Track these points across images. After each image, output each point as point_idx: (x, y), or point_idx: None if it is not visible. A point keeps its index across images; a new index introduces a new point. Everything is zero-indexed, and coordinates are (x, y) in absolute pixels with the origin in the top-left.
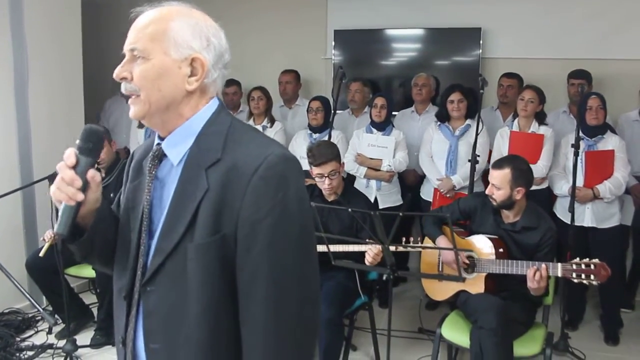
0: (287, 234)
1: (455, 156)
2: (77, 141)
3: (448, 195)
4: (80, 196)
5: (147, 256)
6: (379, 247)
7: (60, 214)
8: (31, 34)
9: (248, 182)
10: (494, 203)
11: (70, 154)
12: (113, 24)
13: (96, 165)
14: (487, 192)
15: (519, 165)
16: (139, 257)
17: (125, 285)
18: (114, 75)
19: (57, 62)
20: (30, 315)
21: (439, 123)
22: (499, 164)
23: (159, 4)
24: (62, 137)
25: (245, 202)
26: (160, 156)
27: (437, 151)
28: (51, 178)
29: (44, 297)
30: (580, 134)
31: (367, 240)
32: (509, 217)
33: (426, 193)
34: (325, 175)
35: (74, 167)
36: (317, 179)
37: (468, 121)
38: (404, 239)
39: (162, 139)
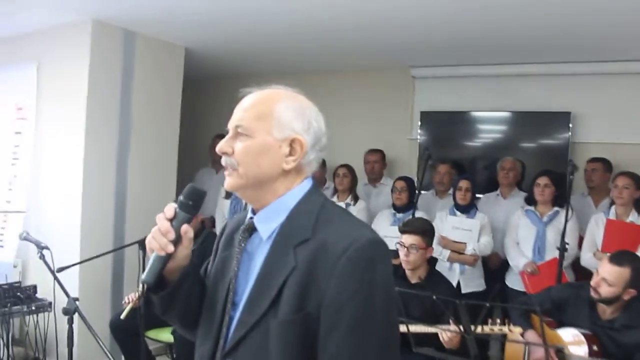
0: (370, 318)
1: (543, 242)
2: (180, 197)
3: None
4: (170, 248)
5: (229, 327)
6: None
7: (149, 263)
8: (137, 109)
9: (336, 263)
10: (596, 297)
11: (170, 207)
12: (210, 99)
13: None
14: (592, 283)
15: (639, 265)
16: (222, 327)
17: (207, 354)
18: (217, 149)
19: (156, 135)
20: None
21: (526, 208)
22: (619, 260)
23: (266, 86)
24: (154, 205)
25: (331, 283)
26: (251, 230)
27: (523, 237)
28: (141, 243)
29: (123, 358)
30: None
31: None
32: (605, 312)
33: (511, 281)
34: (405, 246)
35: (171, 220)
36: (398, 246)
37: (557, 208)
38: (489, 321)
39: (254, 212)
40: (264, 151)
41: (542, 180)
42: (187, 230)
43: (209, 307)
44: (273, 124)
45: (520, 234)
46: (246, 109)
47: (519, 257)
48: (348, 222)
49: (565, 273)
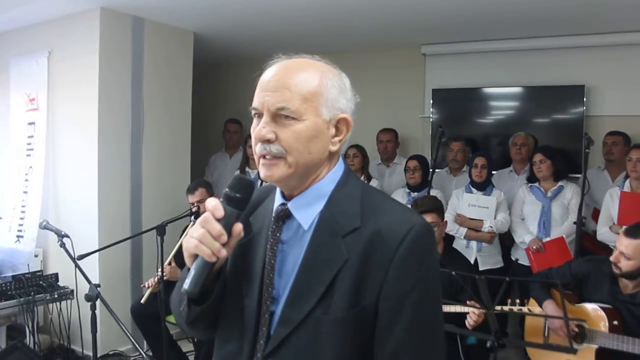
0: (431, 308)
1: (549, 218)
2: (225, 190)
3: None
4: (224, 252)
5: (270, 325)
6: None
7: (194, 270)
8: (149, 95)
9: (394, 253)
10: (617, 272)
11: (217, 205)
12: (220, 84)
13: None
14: (612, 259)
15: None
16: (260, 324)
17: (244, 355)
18: (257, 137)
19: (168, 121)
20: (131, 359)
21: (529, 185)
22: (635, 232)
23: (295, 55)
24: (170, 191)
25: (390, 274)
26: (285, 217)
27: (529, 213)
28: (158, 229)
29: (145, 342)
30: None
31: (468, 302)
32: (627, 286)
33: (518, 256)
34: None
35: (219, 220)
36: None
37: (561, 182)
38: (509, 301)
39: (285, 197)
40: (315, 135)
41: (537, 157)
42: (240, 230)
43: (231, 302)
44: (321, 103)
45: (525, 210)
46: (288, 86)
47: (524, 233)
48: (395, 207)
49: (568, 247)
